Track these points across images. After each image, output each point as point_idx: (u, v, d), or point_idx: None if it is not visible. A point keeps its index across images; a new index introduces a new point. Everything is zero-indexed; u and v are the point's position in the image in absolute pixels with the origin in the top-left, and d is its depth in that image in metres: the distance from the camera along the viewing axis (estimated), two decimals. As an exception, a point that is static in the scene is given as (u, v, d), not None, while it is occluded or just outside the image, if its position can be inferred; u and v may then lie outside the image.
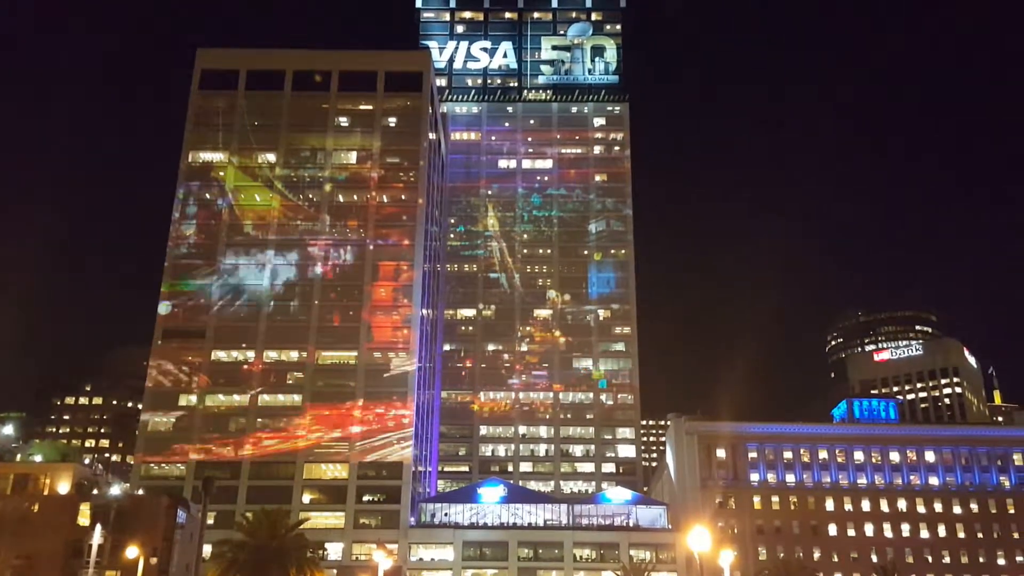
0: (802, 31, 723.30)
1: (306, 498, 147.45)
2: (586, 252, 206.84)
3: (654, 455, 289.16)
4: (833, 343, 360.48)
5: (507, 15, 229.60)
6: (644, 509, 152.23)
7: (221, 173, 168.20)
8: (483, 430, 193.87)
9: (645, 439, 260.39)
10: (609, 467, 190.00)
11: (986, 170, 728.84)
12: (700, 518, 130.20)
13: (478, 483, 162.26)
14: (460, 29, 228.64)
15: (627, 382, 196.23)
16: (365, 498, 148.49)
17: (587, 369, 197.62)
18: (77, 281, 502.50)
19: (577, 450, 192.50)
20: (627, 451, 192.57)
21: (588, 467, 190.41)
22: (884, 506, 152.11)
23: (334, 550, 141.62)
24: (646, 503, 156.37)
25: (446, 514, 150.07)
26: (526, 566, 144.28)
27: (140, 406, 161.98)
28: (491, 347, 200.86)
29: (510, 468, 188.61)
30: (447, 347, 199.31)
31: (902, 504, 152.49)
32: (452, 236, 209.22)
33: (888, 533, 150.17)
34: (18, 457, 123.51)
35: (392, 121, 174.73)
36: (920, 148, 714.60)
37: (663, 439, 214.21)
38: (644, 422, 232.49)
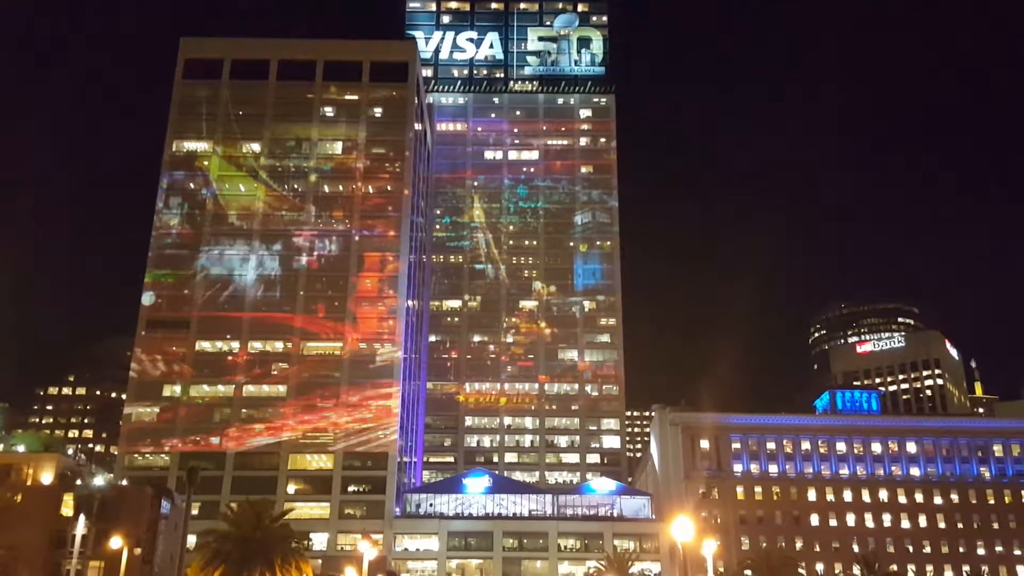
0: (794, 25, 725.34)
1: (291, 488, 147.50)
2: (572, 243, 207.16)
3: (638, 446, 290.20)
4: (816, 335, 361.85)
5: (493, 5, 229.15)
6: (628, 499, 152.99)
7: (205, 163, 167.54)
8: (468, 421, 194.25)
9: (630, 430, 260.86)
10: (594, 458, 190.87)
11: (967, 164, 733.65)
12: (684, 508, 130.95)
13: (463, 474, 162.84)
14: (446, 19, 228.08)
15: (612, 373, 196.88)
16: (350, 488, 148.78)
17: (572, 360, 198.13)
18: (60, 271, 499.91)
19: (562, 441, 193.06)
20: (612, 442, 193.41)
21: (573, 458, 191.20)
22: (866, 496, 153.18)
23: (319, 540, 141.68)
24: (630, 493, 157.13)
25: (431, 504, 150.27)
26: (511, 556, 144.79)
27: (124, 396, 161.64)
28: (477, 338, 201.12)
29: (495, 459, 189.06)
30: (433, 338, 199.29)
31: (884, 495, 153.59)
32: (438, 227, 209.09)
33: (870, 523, 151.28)
34: (1, 447, 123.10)
35: (378, 111, 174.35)
36: (899, 143, 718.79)
37: (647, 430, 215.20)
38: (629, 413, 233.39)
